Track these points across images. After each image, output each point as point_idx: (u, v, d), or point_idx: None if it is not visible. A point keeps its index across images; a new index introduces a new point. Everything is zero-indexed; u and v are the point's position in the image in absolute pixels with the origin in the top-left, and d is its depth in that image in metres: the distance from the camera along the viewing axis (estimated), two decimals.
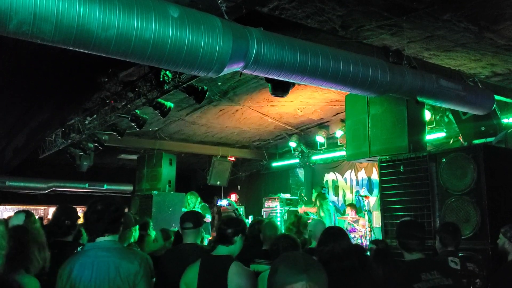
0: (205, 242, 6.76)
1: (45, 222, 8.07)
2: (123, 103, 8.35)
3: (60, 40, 3.39)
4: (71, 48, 3.56)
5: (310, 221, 6.06)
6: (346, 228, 8.76)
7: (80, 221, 3.67)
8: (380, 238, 7.58)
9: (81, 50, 3.60)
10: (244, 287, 3.13)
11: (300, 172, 13.16)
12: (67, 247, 3.62)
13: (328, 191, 12.06)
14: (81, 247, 3.74)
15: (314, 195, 9.83)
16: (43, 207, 15.56)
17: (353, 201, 10.91)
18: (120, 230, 2.95)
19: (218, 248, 3.36)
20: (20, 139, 9.58)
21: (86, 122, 9.73)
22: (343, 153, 9.82)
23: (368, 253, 5.10)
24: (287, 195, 11.95)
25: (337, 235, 3.30)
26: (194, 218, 4.16)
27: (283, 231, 6.44)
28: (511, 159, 5.62)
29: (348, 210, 9.56)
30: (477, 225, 4.97)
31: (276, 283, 1.61)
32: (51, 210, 13.68)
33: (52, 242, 3.58)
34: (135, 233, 5.29)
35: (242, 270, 3.22)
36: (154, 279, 3.71)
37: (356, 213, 9.34)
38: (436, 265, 3.32)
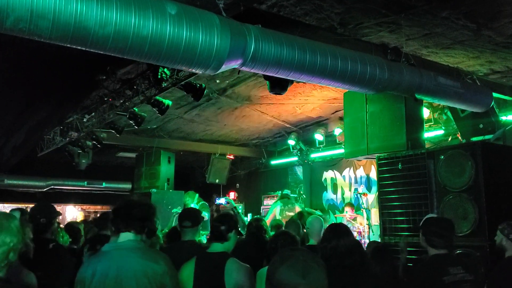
0: (203, 239, 6.77)
1: None
2: (121, 101, 8.35)
3: (58, 37, 3.39)
4: (68, 46, 3.55)
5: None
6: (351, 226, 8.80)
7: (79, 217, 3.68)
8: (378, 235, 7.62)
9: (79, 48, 3.59)
10: (242, 282, 3.14)
11: (299, 170, 13.16)
12: (43, 244, 3.64)
13: (327, 189, 12.10)
14: (52, 244, 3.77)
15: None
16: None
17: (351, 199, 10.93)
18: (145, 232, 2.83)
19: (212, 245, 3.36)
20: (19, 137, 9.57)
21: (85, 120, 9.72)
22: (342, 151, 9.82)
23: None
24: None
25: (341, 232, 3.31)
26: (193, 217, 4.17)
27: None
28: (509, 156, 5.62)
29: (347, 209, 9.57)
30: (475, 222, 4.97)
31: (274, 286, 1.61)
32: None
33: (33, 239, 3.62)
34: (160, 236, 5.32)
35: (239, 266, 3.22)
36: None
37: (354, 211, 9.36)
38: (460, 260, 3.38)
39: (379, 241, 6.27)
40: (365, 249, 6.17)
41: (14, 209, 3.75)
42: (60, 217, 15.76)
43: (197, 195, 10.32)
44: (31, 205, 4.37)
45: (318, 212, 10.29)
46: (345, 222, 8.89)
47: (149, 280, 2.64)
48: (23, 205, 15.40)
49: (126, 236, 2.76)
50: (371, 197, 10.13)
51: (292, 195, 11.89)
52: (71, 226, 6.27)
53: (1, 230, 2.28)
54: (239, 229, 6.53)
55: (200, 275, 3.20)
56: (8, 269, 2.30)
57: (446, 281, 3.12)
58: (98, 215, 8.96)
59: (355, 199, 10.74)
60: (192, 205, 9.88)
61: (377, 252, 4.25)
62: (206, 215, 9.28)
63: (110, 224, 2.88)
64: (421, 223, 3.59)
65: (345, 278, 3.04)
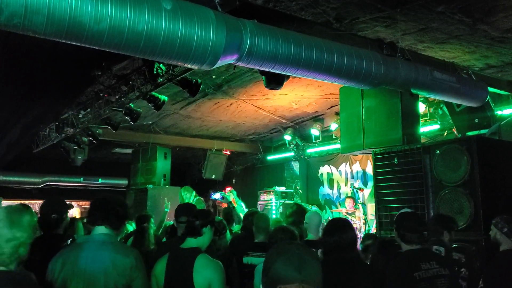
0: None
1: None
2: (117, 97, 8.32)
3: (52, 33, 3.37)
4: (63, 41, 3.53)
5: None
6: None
7: (76, 214, 3.68)
8: (374, 229, 7.65)
9: (74, 43, 3.57)
10: (212, 279, 3.11)
11: (295, 165, 13.18)
12: (57, 240, 3.63)
13: (323, 184, 12.11)
14: (70, 239, 3.75)
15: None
16: (38, 202, 15.51)
17: (352, 193, 10.95)
18: (121, 230, 2.95)
19: (186, 240, 3.34)
20: (14, 133, 9.53)
21: (80, 116, 9.69)
22: (338, 146, 9.84)
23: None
24: (282, 188, 11.98)
25: (343, 227, 3.32)
26: (189, 212, 4.16)
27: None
28: (504, 150, 5.65)
29: (348, 201, 9.60)
30: (471, 216, 4.99)
31: (270, 280, 1.62)
32: None
33: (43, 235, 3.59)
34: (130, 227, 5.30)
35: (208, 262, 3.19)
36: None
37: (354, 205, 9.39)
38: (434, 255, 3.36)
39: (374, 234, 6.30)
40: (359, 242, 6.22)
41: (17, 205, 3.73)
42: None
43: (194, 192, 10.30)
44: (27, 202, 4.34)
45: (314, 208, 10.34)
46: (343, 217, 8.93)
47: (117, 273, 2.71)
48: (19, 201, 15.38)
49: (100, 230, 2.85)
50: (367, 192, 10.16)
51: (288, 190, 11.94)
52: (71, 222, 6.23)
53: (12, 225, 2.31)
54: (235, 224, 6.54)
55: (171, 270, 3.20)
56: (18, 264, 2.32)
57: (417, 277, 3.10)
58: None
59: (352, 193, 10.77)
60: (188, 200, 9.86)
61: (383, 246, 4.26)
62: None
63: (87, 217, 2.98)
64: (395, 219, 3.58)
65: (346, 271, 3.06)
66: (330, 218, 9.51)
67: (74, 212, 16.52)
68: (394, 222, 3.52)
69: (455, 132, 8.36)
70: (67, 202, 4.08)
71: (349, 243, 3.18)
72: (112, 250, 2.79)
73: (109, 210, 2.87)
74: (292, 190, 11.98)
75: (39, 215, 3.79)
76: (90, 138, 10.29)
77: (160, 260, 3.31)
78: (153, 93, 7.87)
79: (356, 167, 11.16)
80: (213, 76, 8.36)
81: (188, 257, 3.19)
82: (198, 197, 10.01)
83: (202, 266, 3.13)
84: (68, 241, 3.76)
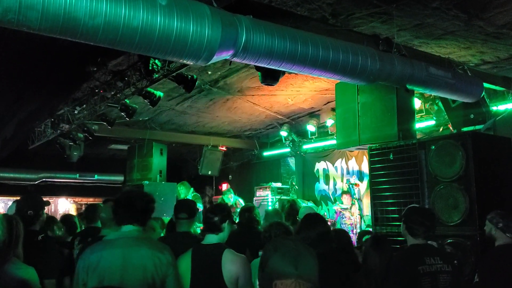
0: (198, 231, 6.77)
1: None
2: (113, 93, 8.30)
3: (47, 29, 3.36)
4: (58, 37, 3.52)
5: None
6: (343, 215, 8.87)
7: (72, 211, 3.67)
8: (370, 224, 7.68)
9: (69, 39, 3.56)
10: (239, 273, 3.15)
11: (291, 161, 13.19)
12: (33, 236, 3.64)
13: (319, 180, 12.14)
14: (42, 235, 3.76)
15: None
16: None
17: (348, 189, 10.96)
18: (147, 225, 2.93)
19: (207, 237, 3.36)
20: (9, 129, 9.50)
21: (76, 112, 9.65)
22: (334, 141, 9.85)
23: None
24: (278, 184, 11.99)
25: (313, 221, 3.41)
26: (189, 209, 4.17)
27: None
28: (499, 146, 5.66)
29: (345, 197, 9.62)
30: (466, 211, 5.01)
31: (267, 275, 1.63)
32: None
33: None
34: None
35: (235, 256, 3.23)
36: None
37: (351, 200, 9.40)
38: (438, 251, 3.39)
39: (370, 230, 6.32)
40: (355, 237, 6.24)
41: (14, 201, 3.74)
42: (52, 209, 15.70)
43: (192, 188, 10.31)
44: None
45: (310, 203, 10.36)
46: (337, 213, 8.96)
47: (156, 269, 2.69)
48: (14, 198, 15.33)
49: (129, 227, 2.82)
50: (363, 187, 10.18)
51: (284, 186, 11.95)
52: (66, 219, 6.23)
53: None
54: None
55: (197, 268, 3.20)
56: None
57: (421, 271, 3.13)
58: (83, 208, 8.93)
59: (347, 189, 10.80)
60: (184, 196, 9.86)
61: (376, 242, 4.28)
62: (200, 206, 9.31)
63: (113, 216, 2.92)
64: (403, 212, 3.60)
65: (321, 265, 3.08)
66: (326, 214, 9.54)
67: (70, 208, 16.54)
68: (402, 215, 3.55)
69: (451, 127, 8.39)
70: (44, 199, 4.09)
71: (318, 237, 3.27)
72: (148, 246, 2.77)
73: (133, 207, 2.82)
74: (288, 186, 11.99)
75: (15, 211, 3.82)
76: (86, 134, 10.27)
77: (182, 257, 3.29)
78: (149, 89, 7.86)
79: (352, 162, 11.18)
80: (209, 72, 8.35)
81: (214, 253, 3.21)
82: (195, 193, 10.02)
83: (229, 261, 3.16)
84: (39, 237, 3.76)
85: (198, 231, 6.72)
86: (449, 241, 5.07)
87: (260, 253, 3.86)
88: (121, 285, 2.60)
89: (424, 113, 9.14)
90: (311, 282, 1.61)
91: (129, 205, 2.82)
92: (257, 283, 1.70)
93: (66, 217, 6.32)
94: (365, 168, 10.40)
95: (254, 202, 11.83)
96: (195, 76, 7.35)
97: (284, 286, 1.58)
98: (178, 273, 2.94)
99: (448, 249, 4.48)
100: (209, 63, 4.27)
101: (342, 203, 9.64)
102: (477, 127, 7.60)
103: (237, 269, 3.15)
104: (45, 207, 4.03)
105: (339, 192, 11.17)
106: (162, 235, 5.58)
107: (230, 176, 14.74)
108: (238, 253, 3.28)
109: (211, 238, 3.33)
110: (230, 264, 3.16)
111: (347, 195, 9.65)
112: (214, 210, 3.42)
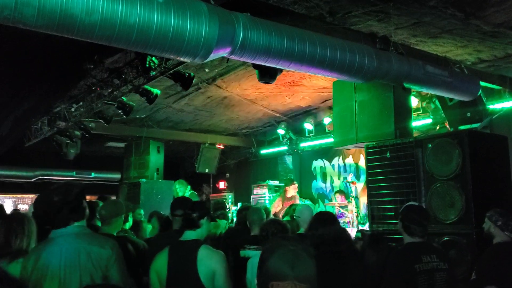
0: None
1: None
2: (110, 90, 8.28)
3: (43, 25, 3.34)
4: (55, 34, 3.50)
5: None
6: (342, 213, 8.88)
7: None
8: (366, 222, 7.69)
9: (65, 36, 3.55)
10: (215, 269, 3.13)
11: (289, 159, 13.20)
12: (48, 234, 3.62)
13: (316, 178, 12.15)
14: None
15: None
16: (30, 196, 15.45)
17: (340, 186, 10.98)
18: (86, 214, 2.86)
19: (185, 233, 3.35)
20: (5, 127, 9.46)
21: (72, 109, 9.63)
22: (331, 140, 9.85)
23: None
24: (276, 182, 12.00)
25: (327, 220, 3.37)
26: (185, 206, 4.16)
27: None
28: (495, 144, 5.68)
29: (338, 196, 9.62)
30: (462, 209, 5.03)
31: (264, 276, 1.63)
32: None
33: (38, 230, 3.58)
34: (130, 219, 5.28)
35: (211, 252, 3.22)
36: None
37: (346, 198, 9.40)
38: (435, 250, 3.41)
39: (367, 229, 6.34)
40: (352, 237, 6.25)
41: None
42: None
43: (189, 186, 10.29)
44: (19, 196, 4.34)
45: (308, 201, 10.37)
46: (336, 211, 8.96)
47: (93, 265, 2.65)
48: (11, 196, 15.30)
49: (72, 225, 2.76)
50: (360, 185, 10.19)
51: (282, 184, 11.94)
52: None
53: None
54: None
55: (174, 264, 3.19)
56: None
57: (417, 269, 3.15)
58: None
59: (344, 187, 10.81)
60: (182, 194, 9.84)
61: (373, 241, 4.30)
62: None
63: (58, 217, 2.80)
64: (400, 210, 3.61)
65: (334, 265, 3.08)
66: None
67: None
68: (400, 213, 3.56)
69: (447, 126, 8.40)
70: None
71: (333, 237, 3.24)
72: (87, 242, 2.72)
73: (65, 211, 2.76)
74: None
75: (33, 210, 3.79)
76: (83, 131, 10.24)
77: (160, 254, 3.30)
78: (146, 86, 7.84)
79: (349, 161, 11.19)
80: (206, 70, 8.34)
81: (190, 249, 3.19)
82: (192, 191, 10.00)
83: (205, 256, 3.15)
84: None
85: None
86: (445, 239, 5.08)
87: (255, 252, 3.88)
88: (62, 285, 2.57)
89: (421, 112, 9.15)
90: (308, 284, 1.61)
91: (57, 212, 2.75)
92: (255, 282, 1.70)
93: None
94: (362, 164, 10.40)
95: (251, 200, 11.86)
96: (192, 74, 7.34)
97: None
98: (124, 268, 2.86)
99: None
100: (207, 60, 4.26)
101: (336, 201, 9.63)
102: (474, 125, 7.62)
103: (213, 265, 3.13)
104: None
105: (336, 189, 11.16)
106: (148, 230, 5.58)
107: (227, 174, 14.74)
108: (215, 249, 3.27)
109: (189, 235, 3.32)
110: (206, 260, 3.14)
111: (341, 194, 9.65)
112: (193, 207, 3.41)
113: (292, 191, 9.26)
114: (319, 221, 3.39)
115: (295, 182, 9.60)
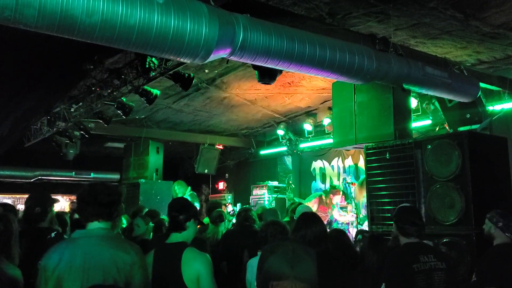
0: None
1: None
2: (109, 91, 8.28)
3: (44, 26, 3.34)
4: (55, 35, 3.51)
5: None
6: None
7: (66, 208, 3.67)
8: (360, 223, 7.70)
9: (66, 37, 3.55)
10: (200, 271, 3.09)
11: (288, 160, 13.21)
12: (41, 233, 3.61)
13: (315, 178, 12.16)
14: (55, 232, 3.73)
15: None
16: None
17: (338, 186, 10.94)
18: (114, 218, 2.84)
19: (171, 235, 3.31)
20: (5, 127, 9.45)
21: (72, 109, 9.63)
22: (331, 140, 9.84)
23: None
24: (275, 183, 12.01)
25: (309, 220, 3.42)
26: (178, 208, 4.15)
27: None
28: (495, 145, 5.68)
29: (331, 197, 9.57)
30: (462, 211, 5.02)
31: (264, 276, 1.63)
32: None
33: (27, 229, 3.59)
34: (124, 221, 5.30)
35: (196, 255, 3.18)
36: None
37: (345, 199, 9.39)
38: (432, 249, 3.42)
39: (366, 229, 6.34)
40: (352, 237, 6.26)
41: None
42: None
43: (189, 187, 10.29)
44: (18, 196, 4.36)
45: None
46: (335, 211, 8.96)
47: (118, 270, 2.58)
48: (10, 196, 15.28)
49: (95, 225, 2.69)
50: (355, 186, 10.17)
51: (281, 184, 11.95)
52: (57, 216, 6.20)
53: None
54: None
55: (159, 266, 3.17)
56: None
57: (415, 269, 3.15)
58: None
59: (344, 188, 10.80)
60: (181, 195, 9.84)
61: (373, 241, 4.30)
62: (196, 205, 9.28)
63: (78, 214, 2.79)
64: (394, 212, 3.62)
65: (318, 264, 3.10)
66: None
67: (64, 206, 16.49)
68: (393, 216, 3.56)
69: (447, 127, 8.41)
70: (53, 197, 4.07)
71: (315, 238, 3.32)
72: (111, 246, 2.64)
73: (100, 202, 2.69)
74: (285, 185, 12.00)
75: (23, 209, 3.81)
76: (82, 132, 10.24)
77: (146, 257, 3.28)
78: (146, 87, 7.84)
79: (349, 161, 11.20)
80: (206, 70, 8.34)
81: (175, 251, 3.16)
82: (191, 192, 10.00)
83: (190, 259, 3.11)
84: (52, 234, 3.74)
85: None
86: (445, 240, 5.08)
87: (259, 253, 3.88)
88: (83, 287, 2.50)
89: (420, 113, 9.15)
90: (308, 283, 1.61)
91: (92, 200, 2.68)
92: (255, 283, 1.70)
93: (57, 215, 6.31)
94: (362, 165, 10.40)
95: (250, 201, 11.86)
96: (192, 74, 7.34)
97: (280, 287, 1.58)
98: (147, 274, 2.84)
99: (442, 249, 4.50)
100: (206, 61, 4.26)
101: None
102: (473, 126, 7.63)
103: (197, 267, 3.09)
104: (54, 204, 4.02)
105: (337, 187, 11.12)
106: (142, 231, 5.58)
107: (226, 175, 14.75)
108: (200, 252, 3.23)
109: (175, 237, 3.28)
110: (191, 262, 3.10)
111: (334, 195, 9.60)
112: (179, 209, 3.35)
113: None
114: (302, 222, 3.48)
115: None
